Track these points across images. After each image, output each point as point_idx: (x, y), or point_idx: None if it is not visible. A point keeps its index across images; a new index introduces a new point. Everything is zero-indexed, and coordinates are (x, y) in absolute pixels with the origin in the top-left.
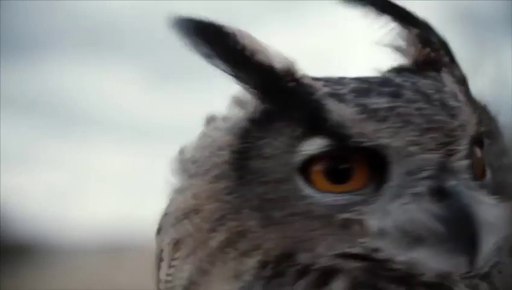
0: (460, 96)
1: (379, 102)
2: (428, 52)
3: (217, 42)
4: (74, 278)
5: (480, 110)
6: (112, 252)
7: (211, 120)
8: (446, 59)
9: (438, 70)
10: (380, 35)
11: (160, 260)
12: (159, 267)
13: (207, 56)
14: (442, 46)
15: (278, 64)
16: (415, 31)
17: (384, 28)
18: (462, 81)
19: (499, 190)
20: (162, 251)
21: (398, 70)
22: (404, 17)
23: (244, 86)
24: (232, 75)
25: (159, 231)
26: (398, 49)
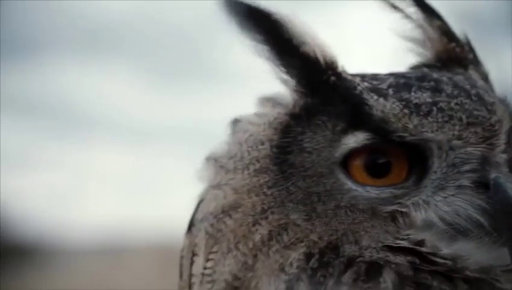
0: (491, 92)
1: (421, 97)
2: (454, 47)
3: (266, 29)
4: (74, 279)
5: (505, 106)
6: (113, 253)
7: (236, 122)
8: (471, 56)
9: (464, 67)
10: (401, 29)
11: (192, 254)
12: (191, 262)
13: (255, 42)
14: (466, 43)
15: (322, 58)
16: (441, 25)
17: (408, 21)
18: (486, 79)
19: None
20: (195, 245)
21: (421, 67)
22: (429, 11)
23: (286, 78)
24: (277, 64)
25: (192, 226)
26: (420, 43)
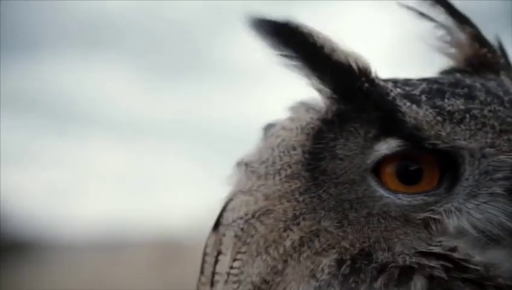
0: None
1: (454, 104)
2: (485, 52)
3: (295, 42)
4: (73, 275)
5: None
6: (111, 249)
7: (270, 127)
8: (503, 61)
9: (496, 72)
10: (430, 35)
11: (218, 253)
12: (216, 260)
13: (286, 56)
14: (498, 48)
15: (355, 64)
16: (471, 30)
17: (438, 28)
18: None
19: None
20: (221, 244)
21: (453, 72)
22: (460, 17)
23: (319, 86)
24: (310, 75)
25: (218, 225)
26: (450, 48)
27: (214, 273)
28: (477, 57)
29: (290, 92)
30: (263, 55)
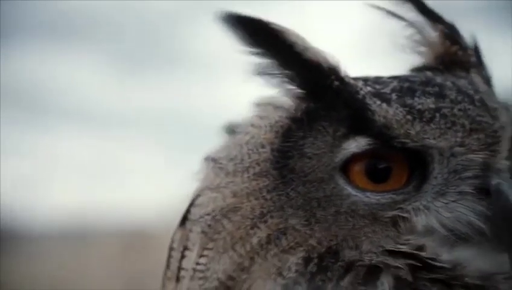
0: (494, 97)
1: (425, 102)
2: (456, 50)
3: (266, 39)
4: (41, 264)
5: (507, 111)
6: (79, 239)
7: (237, 125)
8: (474, 59)
9: (466, 70)
10: (400, 33)
11: (184, 248)
12: (182, 256)
13: (256, 52)
14: (470, 46)
15: (325, 63)
16: (443, 28)
17: (409, 24)
18: (488, 82)
19: None
20: (188, 240)
21: (424, 69)
22: (431, 14)
23: (288, 84)
24: (280, 73)
25: (185, 220)
26: (420, 46)
27: (180, 268)
28: (448, 54)
29: (260, 86)
30: (234, 49)
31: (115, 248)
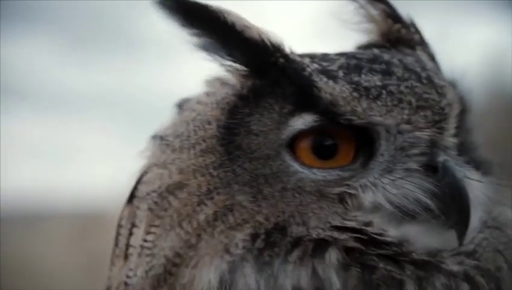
0: (441, 75)
1: (371, 80)
2: (400, 28)
3: (205, 20)
4: None
5: (454, 89)
6: (33, 221)
7: (184, 102)
8: (418, 36)
9: (411, 47)
10: (343, 12)
11: (132, 225)
12: (130, 233)
13: (195, 35)
14: (411, 24)
15: (268, 40)
16: (383, 6)
17: (351, 4)
18: (433, 59)
19: (476, 167)
20: (135, 217)
21: (371, 47)
22: None
23: (233, 63)
24: (222, 53)
25: (132, 198)
26: (365, 23)
27: (127, 245)
28: (392, 32)
29: (211, 65)
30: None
31: (70, 229)
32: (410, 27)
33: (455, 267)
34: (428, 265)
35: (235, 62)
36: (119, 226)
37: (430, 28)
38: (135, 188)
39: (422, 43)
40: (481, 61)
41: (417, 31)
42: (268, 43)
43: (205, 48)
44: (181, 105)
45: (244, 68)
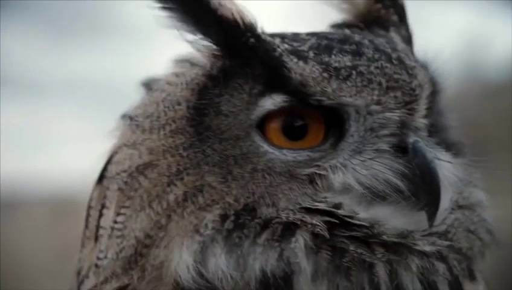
0: (413, 56)
1: (341, 60)
2: (379, 8)
3: None
4: None
5: (425, 70)
6: (7, 208)
7: (151, 81)
8: (395, 18)
9: (386, 28)
10: None
11: (102, 207)
12: (100, 214)
13: (169, 9)
14: (396, 4)
15: (240, 19)
16: None
17: None
18: (408, 41)
19: (447, 148)
20: (105, 198)
21: (343, 26)
22: None
23: (204, 42)
24: (195, 30)
25: (102, 178)
26: (343, 2)
27: (98, 227)
28: (370, 12)
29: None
30: (156, 13)
31: (45, 216)
32: (391, 7)
33: (428, 248)
34: (399, 247)
35: (206, 41)
36: (89, 207)
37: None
38: (105, 168)
39: (398, 24)
40: (457, 45)
41: (400, 11)
42: (241, 23)
43: (178, 25)
44: (147, 84)
45: (215, 47)
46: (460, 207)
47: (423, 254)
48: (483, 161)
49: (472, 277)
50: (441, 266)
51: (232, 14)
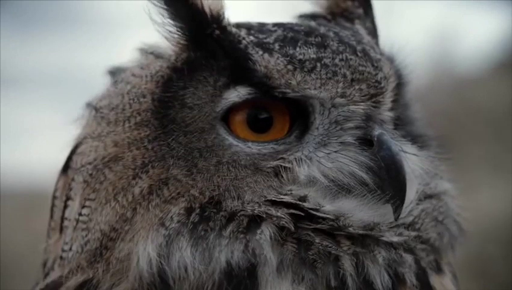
0: (377, 49)
1: (306, 53)
2: (346, 0)
3: None
4: None
5: (390, 63)
6: None
7: (117, 71)
8: (360, 10)
9: (351, 21)
10: None
11: (67, 198)
12: (65, 205)
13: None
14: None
15: (208, 10)
16: None
17: None
18: (374, 34)
19: (413, 141)
20: (70, 189)
21: (311, 17)
22: None
23: (170, 33)
24: (165, 18)
25: (67, 168)
26: None
27: (62, 218)
28: (338, 4)
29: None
30: (130, 4)
31: (14, 209)
32: (357, 1)
33: (395, 239)
34: (366, 239)
35: (173, 32)
36: (54, 197)
37: (377, 5)
38: (69, 158)
39: (363, 17)
40: (429, 38)
41: (365, 4)
42: (208, 14)
43: (150, 11)
44: (113, 73)
45: (182, 39)
46: (427, 197)
47: (390, 246)
48: (452, 152)
49: (439, 269)
50: (408, 258)
51: (202, 3)
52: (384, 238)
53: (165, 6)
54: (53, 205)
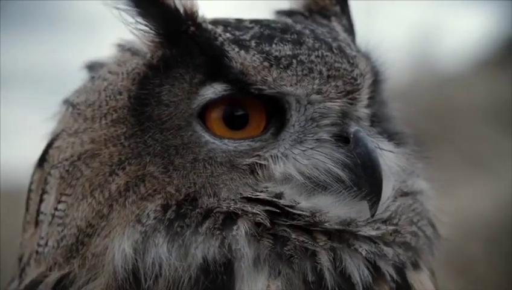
0: (353, 46)
1: (282, 49)
2: None
3: None
4: None
5: (367, 60)
6: None
7: (95, 66)
8: (337, 8)
9: (328, 18)
10: None
11: (42, 191)
12: (40, 199)
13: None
14: None
15: (182, 7)
16: None
17: None
18: (350, 31)
19: (390, 138)
20: (46, 183)
21: (288, 13)
22: None
23: (146, 31)
24: (136, 15)
25: (43, 162)
26: None
27: (38, 211)
28: (317, 2)
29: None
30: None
31: (17, 208)
32: None
33: (372, 233)
34: (343, 234)
35: (149, 29)
36: (30, 190)
37: (358, 4)
38: (46, 152)
39: (340, 14)
40: (410, 37)
41: (342, 1)
42: (182, 11)
43: (123, 11)
44: (91, 67)
45: (157, 36)
46: (403, 195)
47: (369, 240)
48: (431, 150)
49: (416, 266)
50: (390, 251)
51: (173, 1)
52: (361, 233)
53: (133, 7)
54: (28, 198)
